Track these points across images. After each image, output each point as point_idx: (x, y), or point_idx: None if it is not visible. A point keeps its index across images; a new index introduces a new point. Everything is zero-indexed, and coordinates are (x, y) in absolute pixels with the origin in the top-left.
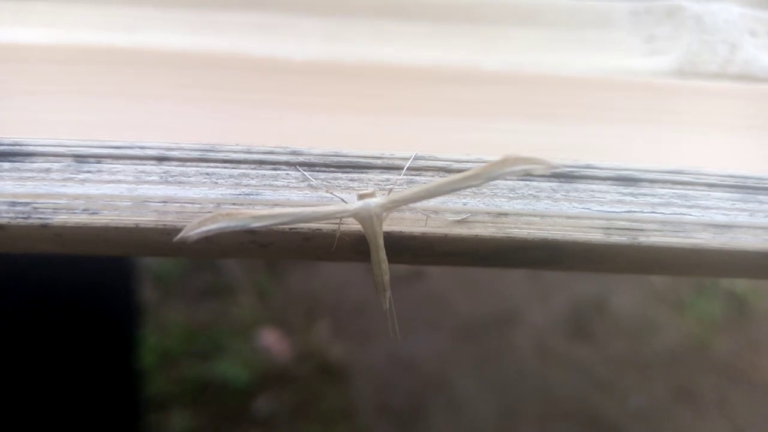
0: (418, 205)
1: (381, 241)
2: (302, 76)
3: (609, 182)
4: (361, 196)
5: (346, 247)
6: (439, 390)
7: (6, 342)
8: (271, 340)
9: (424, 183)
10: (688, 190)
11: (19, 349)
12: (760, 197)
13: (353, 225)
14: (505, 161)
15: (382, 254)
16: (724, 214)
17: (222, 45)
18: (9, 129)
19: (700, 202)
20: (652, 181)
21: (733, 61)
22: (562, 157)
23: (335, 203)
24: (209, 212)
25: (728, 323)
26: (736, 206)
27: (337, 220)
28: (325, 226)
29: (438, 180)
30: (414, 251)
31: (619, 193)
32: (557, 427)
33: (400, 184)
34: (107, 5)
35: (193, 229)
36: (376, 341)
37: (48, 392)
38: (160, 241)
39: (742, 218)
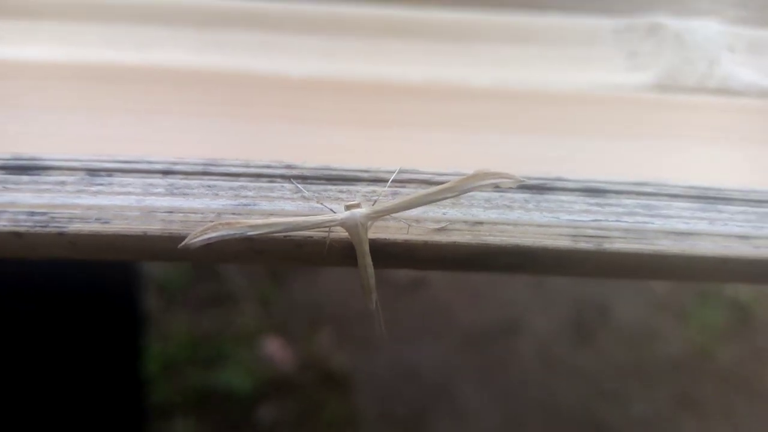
0: (401, 214)
1: (366, 248)
2: (301, 91)
3: (577, 193)
4: (347, 207)
5: (336, 253)
6: (443, 398)
7: (13, 349)
8: (275, 349)
9: (407, 194)
10: (652, 200)
11: (25, 356)
12: (719, 206)
13: (341, 233)
14: (476, 175)
15: (368, 259)
16: (685, 223)
17: (225, 62)
18: (22, 142)
19: (662, 211)
20: (618, 192)
21: (711, 76)
22: (536, 168)
23: (325, 213)
24: (211, 221)
25: (732, 332)
26: (696, 215)
27: (327, 229)
28: (316, 234)
29: (417, 192)
30: (397, 257)
31: (587, 203)
32: None
33: (385, 196)
34: (116, 24)
35: (196, 237)
36: (379, 350)
37: (54, 399)
38: (166, 247)
39: (702, 226)
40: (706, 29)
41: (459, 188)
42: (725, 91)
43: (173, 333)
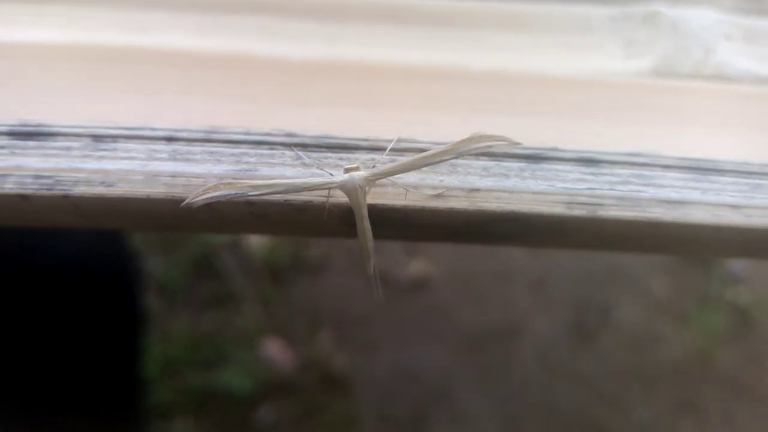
0: (399, 181)
1: (365, 212)
2: (301, 74)
3: (572, 163)
4: (346, 170)
5: (335, 219)
6: (443, 401)
7: (14, 349)
8: (275, 350)
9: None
10: (645, 170)
11: (25, 357)
12: (712, 177)
13: (341, 198)
14: (473, 138)
15: (367, 224)
16: (678, 192)
17: (227, 46)
18: (32, 112)
19: (655, 181)
20: (612, 163)
21: (707, 63)
22: (531, 140)
23: (324, 176)
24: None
25: (732, 336)
26: (689, 185)
27: (326, 194)
28: (315, 198)
29: (415, 156)
30: (395, 224)
31: (581, 172)
32: None
33: (384, 163)
34: (121, 8)
35: (198, 196)
36: (380, 352)
37: (54, 399)
38: (168, 211)
39: (694, 195)
40: (703, 18)
41: (456, 150)
42: (721, 78)
43: (174, 333)
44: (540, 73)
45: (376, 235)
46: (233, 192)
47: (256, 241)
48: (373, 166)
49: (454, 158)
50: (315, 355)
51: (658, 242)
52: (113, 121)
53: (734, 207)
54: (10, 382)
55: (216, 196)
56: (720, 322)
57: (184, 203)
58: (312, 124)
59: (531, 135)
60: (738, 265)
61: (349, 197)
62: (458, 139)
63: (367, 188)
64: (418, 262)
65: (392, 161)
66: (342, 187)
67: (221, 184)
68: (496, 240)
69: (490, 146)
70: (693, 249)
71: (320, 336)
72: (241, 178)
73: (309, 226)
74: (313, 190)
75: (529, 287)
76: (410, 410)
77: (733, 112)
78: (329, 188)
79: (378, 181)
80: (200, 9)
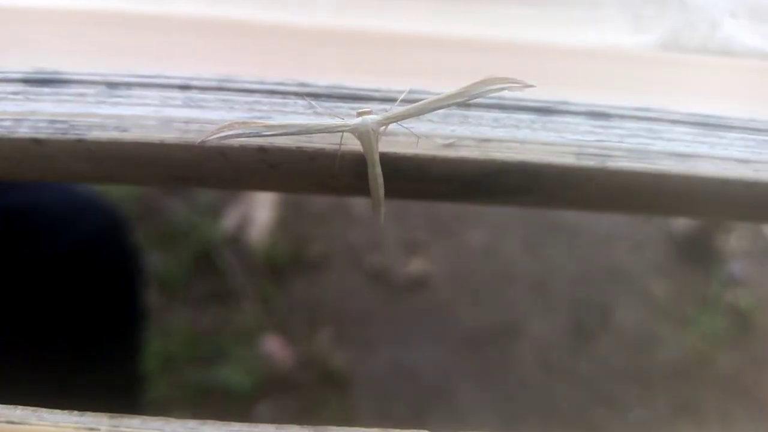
0: (412, 128)
1: (377, 157)
2: (312, 41)
3: (583, 116)
4: (359, 114)
5: (347, 171)
6: (441, 400)
7: (12, 343)
8: (274, 347)
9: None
10: (654, 125)
11: (25, 352)
12: (720, 133)
13: (353, 146)
14: (485, 80)
15: (378, 169)
16: (687, 146)
17: (237, 13)
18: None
19: (664, 134)
20: (622, 116)
21: (713, 38)
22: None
23: (337, 120)
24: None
25: (731, 339)
26: (698, 139)
27: (339, 141)
28: (328, 146)
29: (427, 99)
30: (406, 175)
31: (591, 125)
32: None
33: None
34: None
35: (212, 134)
36: (379, 350)
37: (54, 394)
38: (182, 157)
39: (703, 149)
40: None
41: (468, 93)
42: (726, 53)
43: (174, 329)
44: (550, 46)
45: (388, 193)
46: (247, 131)
47: (257, 239)
48: (386, 110)
49: (466, 101)
50: (314, 352)
51: (666, 198)
52: (127, 69)
53: (742, 161)
54: (11, 376)
55: (230, 135)
56: (719, 325)
57: (198, 141)
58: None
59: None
60: (738, 267)
61: (361, 141)
62: (470, 81)
63: (379, 132)
64: (418, 261)
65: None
66: (355, 130)
67: (235, 123)
68: (505, 195)
69: (503, 88)
70: (701, 207)
71: (320, 333)
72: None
73: (321, 178)
74: (326, 132)
75: (529, 287)
76: (409, 408)
77: (738, 84)
78: (342, 131)
79: (390, 129)
80: None
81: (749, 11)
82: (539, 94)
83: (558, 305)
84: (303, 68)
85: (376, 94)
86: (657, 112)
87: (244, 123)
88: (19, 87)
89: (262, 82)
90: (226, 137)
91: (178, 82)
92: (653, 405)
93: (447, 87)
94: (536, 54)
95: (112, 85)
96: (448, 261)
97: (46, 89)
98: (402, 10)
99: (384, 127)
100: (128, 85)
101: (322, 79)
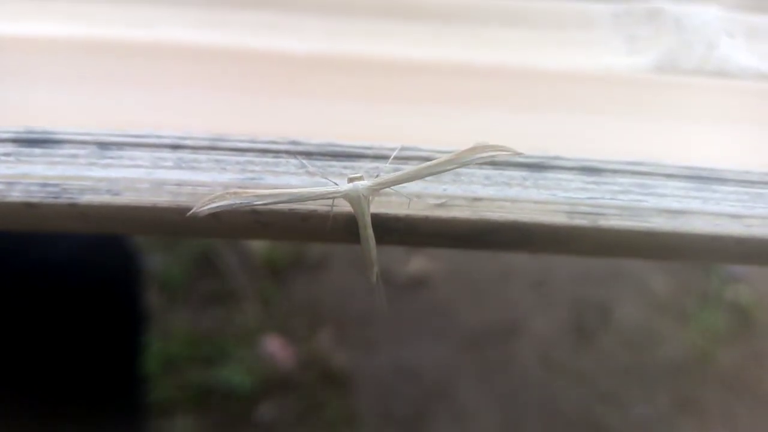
0: (403, 190)
1: (368, 220)
2: (305, 69)
3: (574, 172)
4: (350, 180)
5: (339, 227)
6: (443, 399)
7: (12, 346)
8: (275, 347)
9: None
10: (647, 179)
11: (26, 353)
12: (713, 186)
13: (345, 207)
14: (475, 148)
15: (370, 231)
16: (679, 201)
17: (231, 40)
18: (37, 114)
19: (657, 190)
20: (614, 171)
21: (709, 59)
22: (536, 145)
23: (328, 185)
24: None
25: (732, 335)
26: (690, 194)
27: (331, 202)
28: (320, 207)
29: (418, 166)
30: (399, 232)
31: (583, 181)
32: None
33: (388, 172)
34: (126, 3)
35: (204, 205)
36: (380, 350)
37: (55, 396)
38: (174, 220)
39: (695, 205)
40: (705, 14)
41: (458, 160)
42: (723, 74)
43: (174, 330)
44: (543, 69)
45: (380, 243)
46: (239, 201)
47: (257, 240)
48: (377, 176)
49: (456, 168)
50: (315, 352)
51: (658, 250)
52: (118, 129)
53: (734, 217)
54: (11, 380)
55: (222, 206)
56: (720, 322)
57: (190, 212)
58: (315, 118)
59: (532, 129)
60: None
61: (352, 206)
62: (461, 148)
63: (370, 197)
64: (418, 261)
65: (396, 170)
66: (346, 196)
67: (227, 193)
68: (498, 247)
69: (493, 156)
70: (693, 256)
71: (320, 334)
72: (247, 187)
73: (313, 233)
74: (317, 199)
75: (530, 286)
76: (410, 408)
77: (734, 107)
78: (334, 197)
79: (381, 190)
80: (204, 4)
81: (746, 30)
82: (532, 134)
83: (559, 303)
84: (295, 96)
85: (368, 152)
86: (650, 166)
87: (235, 193)
88: (10, 148)
89: (253, 141)
90: (218, 208)
91: (169, 141)
92: (654, 402)
93: (439, 113)
94: (530, 79)
95: (103, 146)
96: (448, 260)
97: (37, 150)
98: (393, 35)
99: (374, 194)
100: (119, 145)
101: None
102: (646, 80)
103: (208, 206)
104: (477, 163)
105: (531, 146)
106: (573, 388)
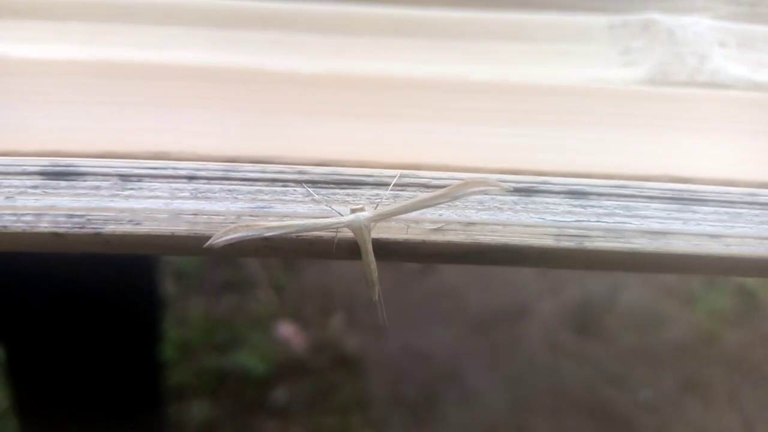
0: (401, 216)
1: (370, 247)
2: (311, 87)
3: (562, 196)
4: (353, 210)
5: (343, 250)
6: (452, 382)
7: (38, 335)
8: (289, 333)
9: (406, 199)
10: (630, 202)
11: (49, 342)
12: (694, 207)
13: (348, 233)
14: (467, 183)
15: (371, 257)
16: (661, 223)
17: (239, 60)
18: (54, 137)
19: (640, 212)
20: (599, 195)
21: (702, 70)
22: (532, 158)
23: (333, 215)
24: (232, 223)
25: (738, 317)
26: (672, 216)
27: (335, 230)
28: (325, 234)
29: (414, 198)
30: (399, 254)
31: (570, 205)
32: (568, 419)
33: (388, 198)
34: (137, 25)
35: (218, 238)
36: (390, 334)
37: (79, 381)
38: (192, 245)
39: (677, 226)
40: (698, 25)
41: (451, 194)
42: (715, 84)
43: (190, 318)
44: (538, 83)
45: (382, 260)
46: (250, 234)
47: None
48: (378, 204)
49: (448, 201)
50: (327, 337)
51: (642, 267)
52: (138, 161)
53: (714, 237)
54: (37, 364)
55: (235, 238)
56: (726, 304)
57: (206, 244)
58: (321, 137)
59: (529, 143)
60: None
61: (355, 234)
62: (455, 183)
63: (371, 226)
64: None
65: (395, 196)
66: (349, 226)
67: (240, 226)
68: (492, 264)
69: (483, 191)
70: (676, 271)
71: (332, 319)
72: (258, 216)
73: (319, 254)
74: (323, 230)
75: (537, 269)
76: (421, 391)
77: (727, 117)
78: (337, 227)
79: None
80: (212, 25)
81: (738, 40)
82: (527, 148)
83: (565, 287)
84: (302, 114)
85: (369, 179)
86: (633, 188)
87: (247, 225)
88: (37, 180)
89: (263, 171)
90: (231, 239)
91: (185, 173)
92: (661, 384)
93: (438, 129)
94: (526, 94)
95: (124, 178)
96: None
97: (62, 183)
98: (397, 51)
99: (375, 223)
100: (139, 177)
101: (319, 168)
102: (640, 92)
103: (223, 238)
104: (467, 197)
105: (527, 160)
106: (580, 370)
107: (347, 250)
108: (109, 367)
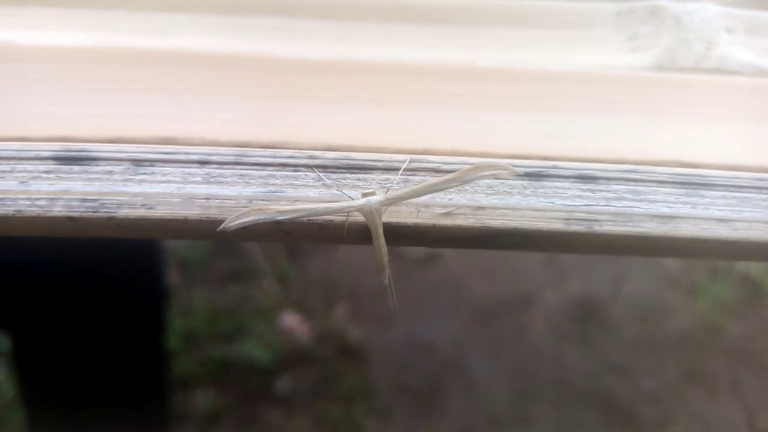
0: (412, 201)
1: (380, 231)
2: (318, 73)
3: (571, 180)
4: (364, 194)
5: (354, 234)
6: (456, 372)
7: (44, 324)
8: (293, 323)
9: (416, 183)
10: (639, 186)
11: (56, 331)
12: (702, 192)
13: (359, 217)
14: (477, 167)
15: (382, 240)
16: (669, 207)
17: (245, 46)
18: (62, 124)
19: (649, 196)
20: (609, 179)
21: (708, 56)
22: (540, 144)
23: (343, 200)
24: (244, 207)
25: (742, 307)
26: (680, 200)
27: (346, 214)
28: (336, 218)
29: (425, 182)
30: (410, 237)
31: (579, 189)
32: (571, 408)
33: (398, 183)
34: (143, 12)
35: (232, 221)
36: (394, 324)
37: (85, 371)
38: (204, 229)
39: (685, 210)
40: (705, 11)
41: (462, 178)
42: (722, 70)
43: (194, 307)
44: (545, 68)
45: (393, 245)
46: (263, 217)
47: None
48: (388, 188)
49: (459, 185)
50: (331, 327)
51: (650, 251)
52: (150, 146)
53: (722, 221)
54: (47, 356)
55: (248, 221)
56: (730, 294)
57: (220, 228)
58: (328, 123)
59: (536, 129)
60: None
61: (366, 218)
62: (465, 167)
63: (382, 210)
64: None
65: (405, 181)
66: (360, 210)
67: (252, 210)
68: (501, 248)
69: (494, 174)
70: (684, 256)
71: (336, 309)
72: (270, 200)
73: (330, 238)
74: (334, 214)
75: (540, 260)
76: (425, 380)
77: (734, 103)
78: (348, 211)
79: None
80: (218, 11)
81: (745, 26)
82: (535, 134)
83: (569, 277)
84: (309, 100)
85: (380, 164)
86: (642, 173)
87: (259, 210)
88: (51, 165)
89: (274, 156)
90: (244, 223)
91: (197, 158)
92: (664, 373)
93: (445, 116)
94: (533, 80)
95: (137, 162)
96: None
97: (75, 167)
98: (404, 37)
99: (385, 207)
100: (152, 162)
101: (329, 153)
102: (647, 78)
103: (236, 222)
104: (478, 181)
105: (535, 145)
106: (583, 360)
107: (358, 234)
108: (115, 356)
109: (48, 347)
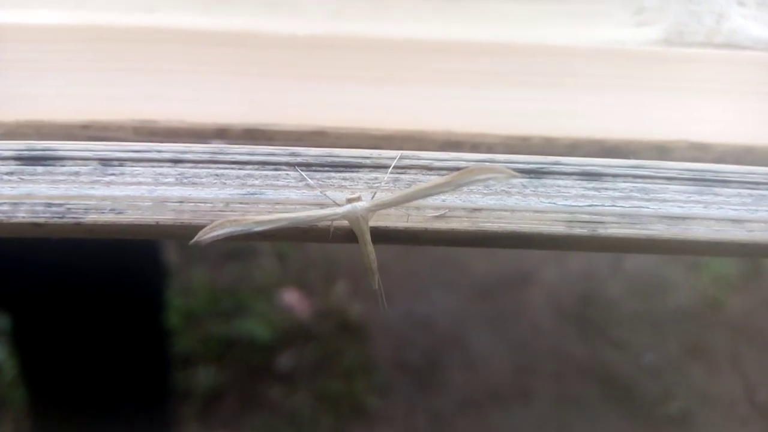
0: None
1: (368, 237)
2: (307, 50)
3: (574, 177)
4: (349, 200)
5: (340, 237)
6: (456, 348)
7: (44, 304)
8: (293, 300)
9: (406, 185)
10: (648, 183)
11: (55, 310)
12: (716, 189)
13: (345, 222)
14: (471, 171)
15: (370, 247)
16: (680, 207)
17: (233, 23)
18: (38, 106)
19: (658, 195)
20: (615, 176)
21: (719, 31)
22: (544, 124)
23: (327, 206)
24: (220, 211)
25: (743, 282)
26: (692, 198)
27: (330, 221)
28: (320, 222)
29: (415, 187)
30: (401, 240)
31: (584, 187)
32: (571, 384)
33: (387, 182)
34: None
35: (205, 234)
36: (394, 301)
37: (87, 351)
38: (178, 234)
39: (697, 210)
40: None
41: (454, 183)
42: (733, 45)
43: (194, 286)
44: (547, 44)
45: (384, 245)
46: (239, 229)
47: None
48: (375, 193)
49: (451, 190)
50: (331, 304)
51: (658, 251)
52: (119, 144)
53: (736, 222)
54: (48, 336)
55: (222, 234)
56: (731, 269)
57: (192, 241)
58: (317, 102)
59: (540, 106)
60: None
61: (351, 225)
62: (458, 171)
63: (368, 216)
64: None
65: (395, 180)
66: (345, 217)
67: (227, 221)
68: (498, 247)
69: (488, 178)
70: (695, 255)
71: (336, 286)
72: (248, 203)
73: (316, 239)
74: (316, 222)
75: None
76: (425, 356)
77: (744, 81)
78: (332, 220)
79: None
80: None
81: None
82: (538, 112)
83: (570, 253)
84: (298, 78)
85: (367, 162)
86: (651, 169)
87: (235, 221)
88: (13, 166)
89: (253, 153)
90: (219, 236)
91: (169, 156)
92: (665, 348)
93: (442, 93)
94: (535, 55)
95: (105, 162)
96: None
97: (39, 168)
98: (399, 12)
99: (372, 213)
100: (121, 161)
101: (312, 149)
102: (654, 53)
103: (210, 234)
104: (472, 185)
105: (534, 124)
106: (584, 335)
107: (344, 237)
108: (115, 334)
109: (48, 327)
